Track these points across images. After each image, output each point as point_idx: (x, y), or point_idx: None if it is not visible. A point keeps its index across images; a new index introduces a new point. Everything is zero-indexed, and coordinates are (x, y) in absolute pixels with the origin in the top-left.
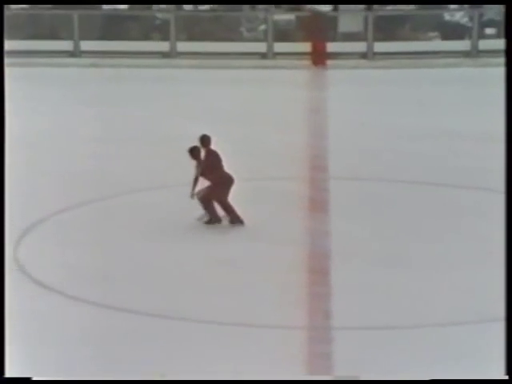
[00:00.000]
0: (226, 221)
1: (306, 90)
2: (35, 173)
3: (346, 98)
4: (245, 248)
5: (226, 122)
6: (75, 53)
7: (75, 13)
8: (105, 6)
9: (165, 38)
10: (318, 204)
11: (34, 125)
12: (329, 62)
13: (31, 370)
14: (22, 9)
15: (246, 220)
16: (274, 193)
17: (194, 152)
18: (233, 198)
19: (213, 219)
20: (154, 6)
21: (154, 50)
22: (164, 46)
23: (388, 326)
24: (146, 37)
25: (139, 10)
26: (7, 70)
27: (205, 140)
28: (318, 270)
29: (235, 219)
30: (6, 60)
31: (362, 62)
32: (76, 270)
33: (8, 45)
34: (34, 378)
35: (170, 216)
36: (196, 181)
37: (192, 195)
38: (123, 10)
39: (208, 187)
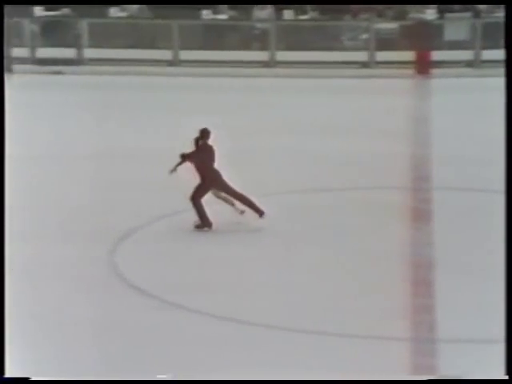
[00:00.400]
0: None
1: (408, 98)
2: (140, 181)
3: (450, 107)
4: (347, 259)
5: (325, 132)
6: (174, 62)
7: (175, 23)
8: (205, 16)
9: (264, 47)
10: (421, 214)
11: (138, 133)
12: (433, 71)
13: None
14: (122, 18)
15: (346, 230)
16: (377, 203)
17: (197, 141)
18: (336, 207)
19: (202, 223)
20: (254, 17)
21: (252, 60)
22: (263, 55)
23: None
24: (245, 46)
25: (239, 21)
26: (111, 78)
27: (203, 133)
28: (422, 281)
29: (204, 223)
30: (110, 68)
31: (468, 70)
32: (170, 276)
33: (109, 53)
34: (32, 378)
35: (268, 225)
36: (181, 161)
37: (171, 171)
38: (223, 20)
39: (196, 186)
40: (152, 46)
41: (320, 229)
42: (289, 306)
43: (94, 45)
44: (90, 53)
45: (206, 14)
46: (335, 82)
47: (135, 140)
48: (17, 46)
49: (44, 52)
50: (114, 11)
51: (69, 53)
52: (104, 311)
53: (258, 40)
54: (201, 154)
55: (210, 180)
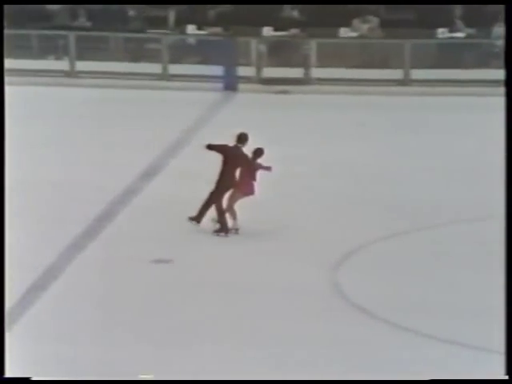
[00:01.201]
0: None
1: None
2: (358, 200)
3: None
4: None
5: None
6: (405, 81)
7: (408, 42)
8: (440, 35)
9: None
10: None
11: (357, 151)
12: None
13: None
14: (352, 38)
15: None
16: None
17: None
18: None
19: (220, 228)
20: (494, 34)
21: (488, 79)
22: (500, 73)
23: None
24: (482, 65)
25: (477, 38)
26: (338, 98)
27: (240, 138)
28: None
29: (222, 228)
30: (337, 87)
31: None
32: (395, 297)
33: (338, 73)
34: (33, 378)
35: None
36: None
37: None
38: (460, 38)
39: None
40: (382, 65)
41: None
42: None
43: (322, 64)
44: (317, 72)
45: (442, 32)
46: None
47: (369, 159)
48: (243, 65)
49: (270, 71)
50: (345, 31)
51: (295, 72)
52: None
53: (498, 58)
54: (228, 153)
55: (220, 189)
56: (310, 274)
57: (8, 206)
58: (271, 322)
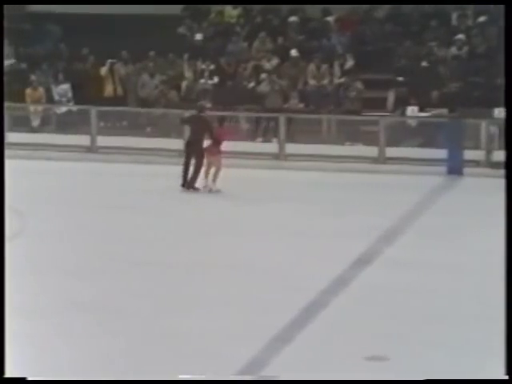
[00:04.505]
0: None
1: None
2: None
3: None
4: None
5: None
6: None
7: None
8: None
9: None
10: None
11: None
12: None
13: None
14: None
15: None
16: None
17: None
18: None
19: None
20: None
21: None
22: None
23: None
24: None
25: None
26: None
27: (199, 107)
28: None
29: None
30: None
31: None
32: None
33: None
34: (29, 378)
35: None
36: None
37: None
38: None
39: None
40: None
41: None
42: None
43: None
44: None
45: None
46: None
47: None
48: (470, 149)
49: (501, 155)
50: None
51: None
52: None
53: None
54: (192, 123)
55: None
56: None
57: (212, 293)
58: None
